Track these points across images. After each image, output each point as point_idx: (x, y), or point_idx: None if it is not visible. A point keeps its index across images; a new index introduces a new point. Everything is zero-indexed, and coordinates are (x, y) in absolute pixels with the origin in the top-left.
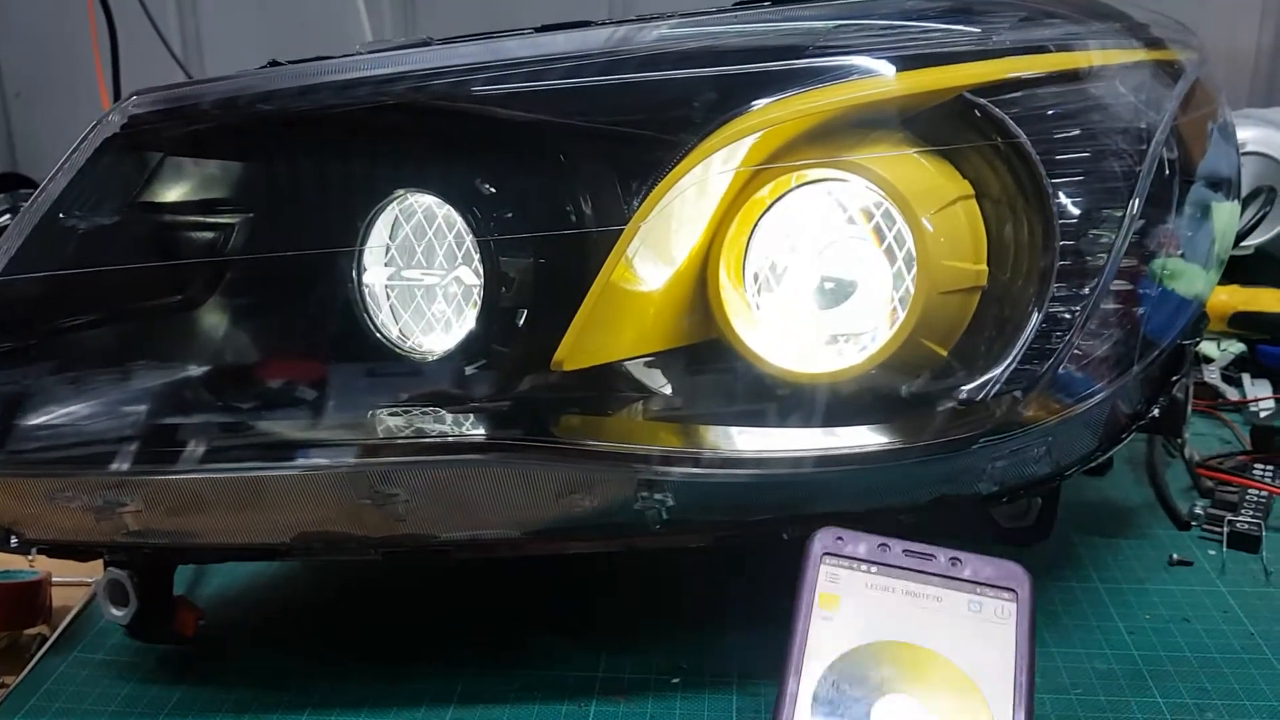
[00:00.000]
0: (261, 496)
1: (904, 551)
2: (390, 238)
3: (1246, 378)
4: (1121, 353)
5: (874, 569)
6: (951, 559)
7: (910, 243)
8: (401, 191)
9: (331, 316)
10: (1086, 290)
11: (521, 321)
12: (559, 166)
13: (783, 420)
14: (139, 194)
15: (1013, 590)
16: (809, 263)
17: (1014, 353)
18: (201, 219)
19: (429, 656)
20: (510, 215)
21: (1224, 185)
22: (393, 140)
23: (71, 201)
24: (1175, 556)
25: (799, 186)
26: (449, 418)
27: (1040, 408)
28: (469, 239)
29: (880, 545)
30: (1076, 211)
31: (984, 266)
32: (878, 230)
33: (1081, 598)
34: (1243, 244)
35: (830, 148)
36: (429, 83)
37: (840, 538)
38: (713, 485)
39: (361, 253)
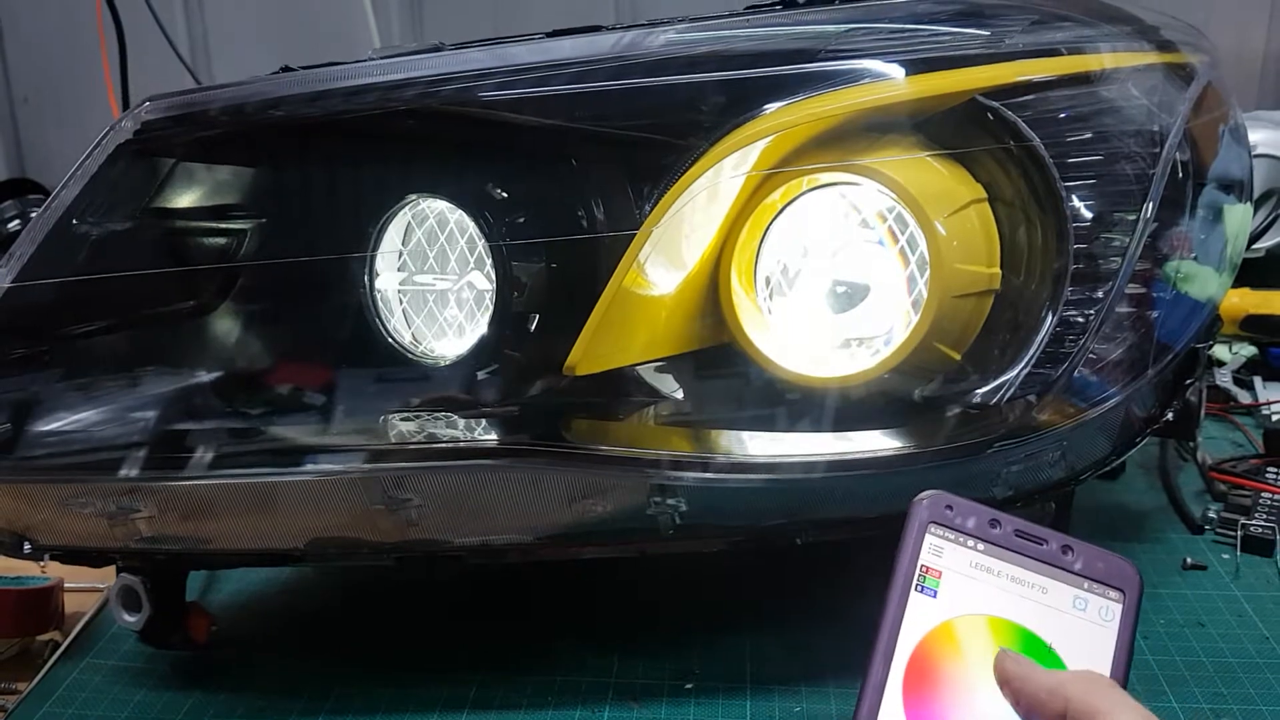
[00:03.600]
0: (274, 502)
1: (1015, 531)
2: (403, 243)
3: (1258, 381)
4: (1136, 356)
5: (981, 546)
6: (1063, 546)
7: (923, 246)
8: (414, 196)
9: (344, 322)
10: (1100, 294)
11: (533, 326)
12: (571, 171)
13: (795, 425)
14: (151, 200)
15: (1121, 591)
16: (821, 267)
17: (1028, 356)
18: (214, 225)
19: (442, 661)
20: (522, 220)
21: (1236, 188)
22: (405, 145)
23: (84, 208)
24: (1189, 561)
25: (811, 190)
26: (461, 423)
27: (1054, 412)
28: (481, 244)
29: (991, 521)
30: (1090, 215)
31: (997, 270)
32: (890, 234)
33: None
34: (1254, 247)
35: (842, 151)
36: (441, 88)
37: (950, 506)
38: (725, 490)
39: (374, 258)
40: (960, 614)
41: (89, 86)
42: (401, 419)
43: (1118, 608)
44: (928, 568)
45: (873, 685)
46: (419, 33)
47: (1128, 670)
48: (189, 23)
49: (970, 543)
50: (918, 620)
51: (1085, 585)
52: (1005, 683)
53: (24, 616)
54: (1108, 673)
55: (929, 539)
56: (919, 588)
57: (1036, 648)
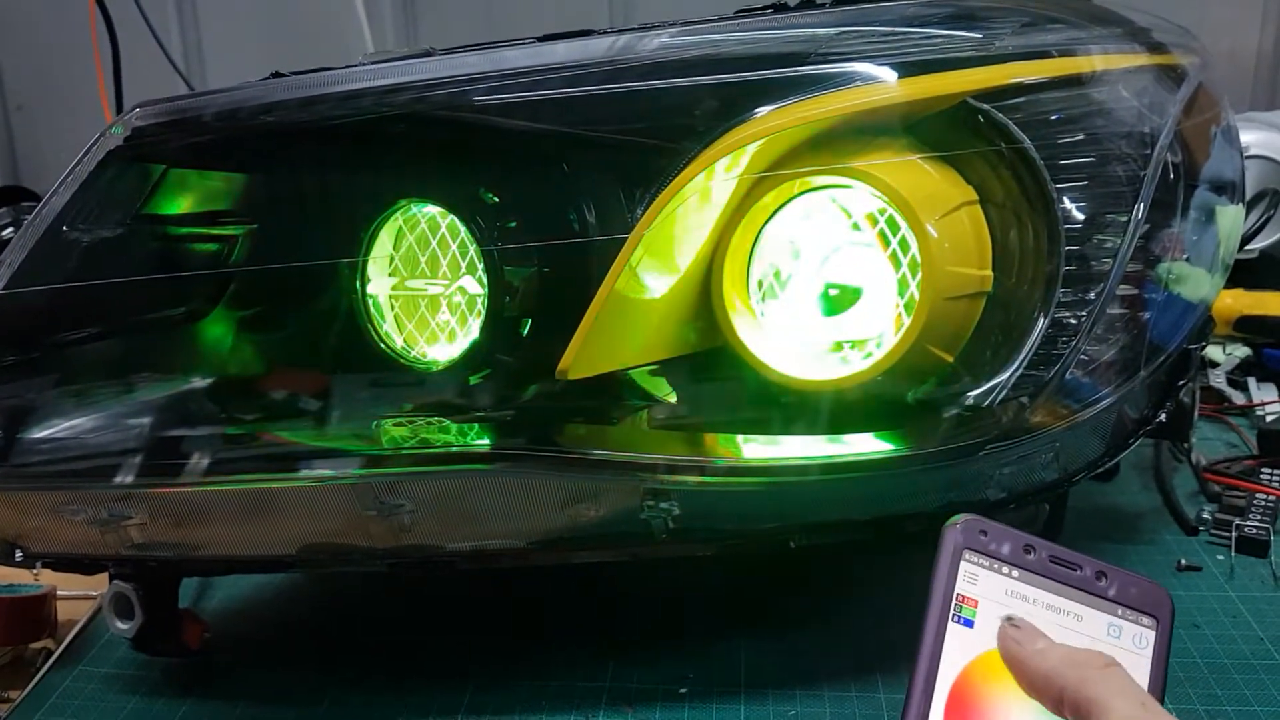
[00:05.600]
0: (266, 508)
1: (1050, 557)
2: (394, 248)
3: (1252, 382)
4: (1128, 358)
5: (1016, 573)
6: (1098, 573)
7: (915, 249)
8: (405, 201)
9: (335, 327)
10: (1092, 295)
11: (526, 331)
12: (562, 175)
13: (789, 428)
14: (143, 206)
15: (1155, 618)
16: (813, 270)
17: (1020, 358)
18: (205, 231)
19: (435, 667)
20: (514, 224)
21: (1228, 189)
22: (396, 151)
23: (75, 214)
24: (1183, 562)
25: (803, 194)
26: (454, 428)
27: (1047, 413)
28: (473, 249)
29: (1026, 546)
30: (1081, 216)
31: (989, 272)
32: (882, 236)
33: None
34: (1247, 248)
35: (834, 154)
36: (432, 93)
37: (984, 532)
38: (719, 494)
39: (365, 263)
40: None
41: (83, 94)
42: (394, 424)
43: (1151, 634)
44: (964, 597)
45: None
46: (413, 39)
47: (1163, 695)
48: (183, 30)
49: (1005, 569)
50: (956, 653)
51: (1119, 612)
52: (1005, 659)
53: (16, 624)
54: None
55: (964, 565)
56: (955, 618)
57: None
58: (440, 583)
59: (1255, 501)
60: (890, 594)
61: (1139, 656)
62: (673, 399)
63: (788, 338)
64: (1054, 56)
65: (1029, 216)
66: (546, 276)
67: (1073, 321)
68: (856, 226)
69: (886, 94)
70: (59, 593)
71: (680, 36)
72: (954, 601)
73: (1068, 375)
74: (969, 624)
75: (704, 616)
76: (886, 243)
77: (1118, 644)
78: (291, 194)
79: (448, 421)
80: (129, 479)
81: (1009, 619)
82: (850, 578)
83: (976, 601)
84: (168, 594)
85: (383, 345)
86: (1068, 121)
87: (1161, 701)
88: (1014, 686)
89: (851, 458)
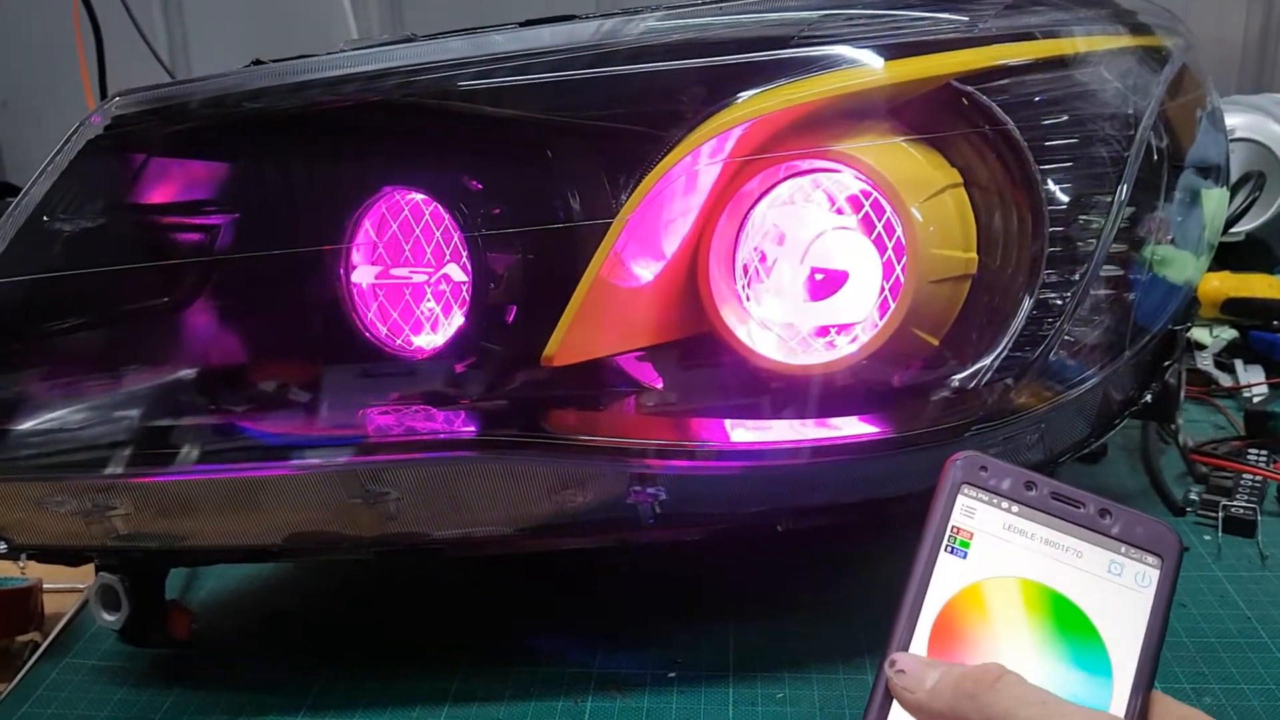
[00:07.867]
0: (251, 497)
1: (1051, 494)
2: (377, 235)
3: (1239, 363)
4: (1112, 339)
5: (1015, 508)
6: (1101, 510)
7: (900, 232)
8: (388, 188)
9: (319, 315)
10: (1076, 276)
11: (511, 318)
12: (546, 161)
13: (775, 412)
14: (124, 195)
15: (1159, 556)
16: (798, 254)
17: (1005, 340)
18: (187, 219)
19: (423, 655)
20: (498, 211)
21: (1213, 171)
22: (378, 137)
23: (56, 204)
24: None
25: (787, 178)
26: (439, 416)
27: (1032, 395)
28: (456, 235)
29: (1027, 483)
30: (1065, 198)
31: (974, 254)
32: (867, 220)
33: None
34: (1233, 230)
35: (818, 138)
36: (413, 79)
37: (984, 468)
38: (706, 478)
39: (349, 251)
40: (990, 576)
41: (68, 89)
42: (379, 412)
43: (1155, 573)
44: (959, 528)
45: (897, 646)
46: (398, 27)
47: (1162, 635)
48: (168, 24)
49: (1004, 504)
50: (946, 581)
51: (1122, 550)
52: (902, 706)
53: (3, 618)
54: (1140, 639)
55: (961, 499)
56: (949, 549)
57: (1068, 612)
58: (428, 571)
59: (1242, 482)
60: (877, 578)
61: (1140, 595)
62: (659, 385)
63: (773, 322)
64: (1038, 38)
65: (1013, 198)
66: (531, 263)
67: (1057, 303)
68: (842, 210)
69: (871, 77)
70: (45, 585)
71: (664, 21)
72: (949, 532)
73: (1052, 356)
74: (962, 554)
75: (692, 602)
76: (871, 226)
77: (1119, 581)
78: (273, 181)
79: (433, 409)
80: (111, 469)
81: (891, 663)
82: (838, 561)
83: (972, 534)
84: (154, 585)
85: (367, 334)
86: (1051, 103)
87: (1161, 637)
88: (1002, 616)
89: (838, 441)
